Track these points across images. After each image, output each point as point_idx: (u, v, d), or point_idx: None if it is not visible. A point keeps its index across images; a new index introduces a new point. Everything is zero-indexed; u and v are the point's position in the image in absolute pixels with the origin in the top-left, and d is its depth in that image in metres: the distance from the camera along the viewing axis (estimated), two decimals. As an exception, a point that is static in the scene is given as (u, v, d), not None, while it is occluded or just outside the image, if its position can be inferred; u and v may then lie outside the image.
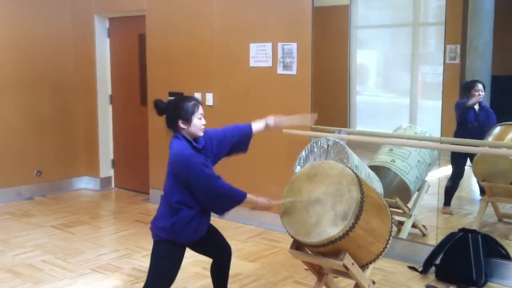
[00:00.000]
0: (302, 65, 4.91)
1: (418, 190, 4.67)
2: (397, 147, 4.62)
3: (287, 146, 5.01)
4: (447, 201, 4.95)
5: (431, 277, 4.05)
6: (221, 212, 3.03)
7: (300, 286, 3.92)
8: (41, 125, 6.54)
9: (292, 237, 2.94)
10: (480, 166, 4.66)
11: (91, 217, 5.73)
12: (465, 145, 4.27)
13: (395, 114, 5.68)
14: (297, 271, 4.15)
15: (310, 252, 3.01)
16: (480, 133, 4.70)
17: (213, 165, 3.13)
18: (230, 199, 2.96)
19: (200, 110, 3.02)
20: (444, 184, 4.95)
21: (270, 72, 5.10)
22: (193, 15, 5.67)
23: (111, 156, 6.96)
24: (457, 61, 4.86)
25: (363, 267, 3.00)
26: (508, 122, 4.63)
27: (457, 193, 5.05)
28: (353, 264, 2.87)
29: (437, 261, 4.07)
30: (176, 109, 2.99)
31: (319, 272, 3.18)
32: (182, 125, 2.98)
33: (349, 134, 4.86)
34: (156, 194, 5.68)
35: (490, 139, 4.62)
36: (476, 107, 4.77)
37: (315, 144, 4.08)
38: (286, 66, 5.00)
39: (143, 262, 4.29)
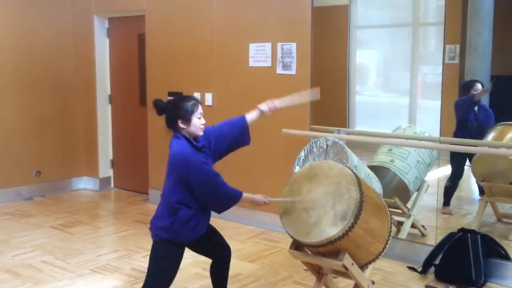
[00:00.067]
0: (302, 65, 4.91)
1: (417, 190, 4.67)
2: (396, 147, 4.63)
3: (286, 146, 5.01)
4: (447, 201, 4.95)
5: (430, 277, 4.05)
6: (219, 210, 3.03)
7: (300, 287, 3.92)
8: (41, 125, 6.54)
9: (291, 237, 2.94)
10: (479, 166, 4.66)
11: (91, 217, 5.73)
12: (464, 145, 4.28)
13: (395, 114, 5.68)
14: (296, 271, 4.15)
15: (309, 252, 3.01)
16: (480, 133, 4.70)
17: (214, 162, 3.14)
18: (229, 197, 2.97)
19: (200, 109, 3.02)
20: (443, 184, 4.95)
21: (270, 72, 5.11)
22: (192, 15, 5.67)
23: (111, 156, 6.96)
24: (457, 61, 4.86)
25: (363, 267, 3.00)
26: (508, 122, 4.63)
27: (456, 193, 5.05)
28: (352, 264, 2.87)
29: (437, 261, 4.07)
30: (175, 109, 2.99)
31: (318, 272, 3.18)
32: (181, 125, 2.98)
33: (348, 134, 4.86)
34: (156, 194, 5.68)
35: (489, 139, 4.62)
36: (476, 107, 4.77)
37: (314, 144, 4.08)
38: (285, 66, 5.00)
39: (143, 262, 4.29)
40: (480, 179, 4.72)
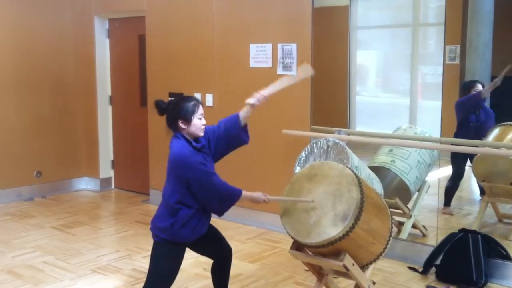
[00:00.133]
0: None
1: (418, 191, 4.67)
2: (397, 147, 4.62)
3: (286, 147, 5.01)
4: (447, 202, 4.95)
5: (431, 277, 4.05)
6: (220, 211, 3.02)
7: (300, 287, 3.92)
8: (41, 126, 6.54)
9: (292, 237, 2.94)
10: (480, 167, 4.66)
11: (91, 218, 5.73)
12: (465, 146, 4.28)
13: (395, 115, 5.68)
14: (297, 271, 4.15)
15: (310, 253, 3.01)
16: (480, 133, 4.70)
17: (215, 162, 3.14)
18: (228, 196, 2.96)
19: (200, 110, 3.02)
20: (444, 184, 4.95)
21: (270, 72, 5.10)
22: (193, 16, 5.67)
23: (111, 157, 6.96)
24: (457, 61, 4.86)
25: (363, 267, 3.00)
26: (508, 123, 4.63)
27: (457, 194, 5.05)
28: (353, 264, 2.87)
29: (437, 262, 4.07)
30: (176, 109, 3.00)
31: (319, 272, 3.18)
32: (182, 125, 2.99)
33: (349, 135, 4.86)
34: (156, 194, 5.68)
35: (490, 139, 4.62)
36: (479, 106, 4.77)
37: (315, 145, 4.08)
38: (286, 67, 5.00)
39: (143, 263, 4.29)
40: (480, 179, 4.72)
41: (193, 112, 2.98)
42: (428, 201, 4.75)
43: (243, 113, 3.13)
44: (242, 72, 5.33)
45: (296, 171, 4.06)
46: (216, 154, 3.14)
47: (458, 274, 3.91)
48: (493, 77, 4.72)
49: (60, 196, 6.58)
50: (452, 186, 4.99)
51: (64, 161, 6.79)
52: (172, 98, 3.11)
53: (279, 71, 5.05)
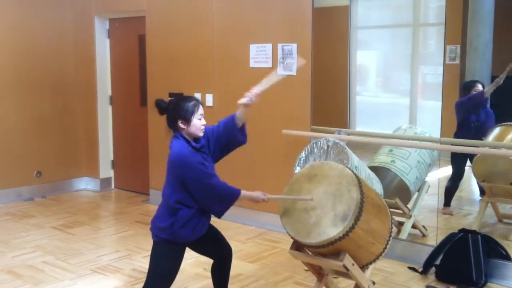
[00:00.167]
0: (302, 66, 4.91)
1: (418, 191, 4.67)
2: (397, 147, 4.62)
3: (286, 147, 5.01)
4: (447, 202, 4.95)
5: (431, 277, 4.05)
6: (219, 211, 3.01)
7: (300, 287, 3.92)
8: (41, 126, 6.54)
9: (292, 237, 2.94)
10: (480, 167, 4.66)
11: (91, 218, 5.73)
12: (465, 146, 4.27)
13: (395, 115, 5.68)
14: (297, 271, 4.15)
15: (310, 253, 3.01)
16: (481, 133, 4.70)
17: (216, 162, 3.14)
18: (226, 196, 2.95)
19: (200, 110, 3.02)
20: (444, 184, 4.94)
21: (270, 72, 5.09)
22: (193, 16, 5.67)
23: (111, 157, 6.96)
24: (457, 61, 4.85)
25: (363, 267, 3.00)
26: (508, 123, 4.63)
27: (457, 194, 5.05)
28: (353, 264, 2.87)
29: (437, 262, 4.07)
30: (176, 109, 3.00)
31: (319, 272, 3.18)
32: (181, 125, 2.99)
33: (349, 135, 4.86)
34: (156, 194, 5.68)
35: (490, 139, 4.62)
36: (481, 106, 4.76)
37: (315, 145, 4.08)
38: (286, 67, 5.00)
39: (143, 263, 4.29)
40: (480, 179, 4.72)
41: (192, 112, 2.98)
42: (428, 201, 4.75)
43: (238, 113, 3.12)
44: (242, 72, 5.33)
45: (296, 171, 4.06)
46: (215, 154, 3.14)
47: (458, 274, 3.91)
48: (493, 77, 4.72)
49: (60, 196, 6.58)
50: (452, 186, 4.99)
51: (64, 161, 6.79)
52: (172, 98, 3.11)
53: (279, 71, 5.04)
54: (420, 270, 4.13)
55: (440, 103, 4.37)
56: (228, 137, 3.12)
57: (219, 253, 3.21)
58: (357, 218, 2.73)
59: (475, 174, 4.80)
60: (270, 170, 5.20)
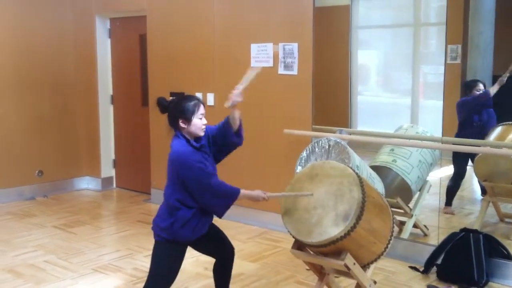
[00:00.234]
0: (303, 65, 4.91)
1: (420, 190, 4.67)
2: (399, 147, 4.62)
3: (288, 146, 5.01)
4: (449, 201, 4.95)
5: (432, 277, 4.05)
6: (219, 211, 3.00)
7: (302, 286, 3.92)
8: (42, 126, 6.55)
9: (293, 237, 2.94)
10: (481, 166, 4.66)
11: (93, 217, 5.74)
12: (466, 145, 4.27)
13: (396, 114, 5.68)
14: (298, 271, 4.15)
15: (311, 252, 3.01)
16: (482, 133, 4.70)
17: (218, 162, 3.14)
18: (225, 196, 2.94)
19: (201, 110, 3.02)
20: (445, 184, 4.94)
21: (271, 72, 5.10)
22: (194, 15, 5.67)
23: (113, 156, 6.96)
24: (458, 61, 4.85)
25: (365, 267, 3.00)
26: (510, 122, 4.63)
27: (458, 193, 5.05)
28: (354, 264, 2.87)
29: (439, 261, 4.07)
30: (177, 108, 3.00)
31: (320, 272, 3.18)
32: (182, 124, 2.99)
33: (350, 134, 4.86)
34: (158, 194, 5.69)
35: (491, 139, 4.61)
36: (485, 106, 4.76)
37: (316, 144, 4.08)
38: (287, 66, 5.00)
39: (145, 262, 4.29)
40: (482, 179, 4.71)
41: (193, 112, 2.98)
42: (430, 200, 4.75)
43: (230, 116, 3.11)
44: (243, 72, 5.29)
45: (298, 170, 4.05)
46: (215, 154, 3.13)
47: (460, 274, 3.91)
48: (494, 76, 4.72)
49: (61, 195, 6.59)
50: (454, 186, 4.99)
51: (66, 160, 6.80)
52: (174, 97, 3.11)
53: (281, 70, 5.05)
54: (421, 269, 4.13)
55: (442, 102, 4.37)
56: (223, 138, 3.11)
57: (221, 253, 3.21)
58: (358, 218, 2.73)
59: (476, 173, 4.80)
60: (271, 169, 5.20)
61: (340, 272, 3.06)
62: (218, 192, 2.93)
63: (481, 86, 4.69)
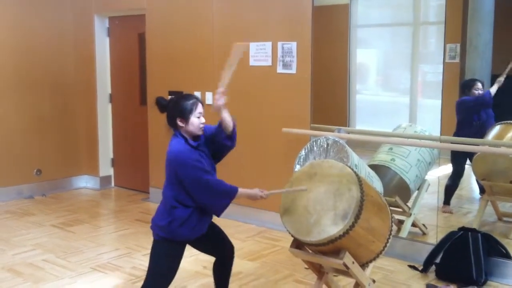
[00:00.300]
0: (302, 64, 4.91)
1: (418, 189, 4.67)
2: (397, 146, 4.63)
3: (286, 145, 5.01)
4: (447, 200, 4.95)
5: (431, 276, 4.06)
6: (217, 209, 2.99)
7: (300, 285, 3.93)
8: (41, 125, 6.55)
9: (292, 236, 2.95)
10: (480, 165, 4.66)
11: (91, 216, 5.74)
12: (464, 144, 4.27)
13: (395, 113, 5.68)
14: (297, 270, 4.15)
15: (310, 251, 3.01)
16: (482, 132, 4.70)
17: (217, 161, 3.14)
18: (223, 194, 2.94)
19: (199, 109, 3.01)
20: (444, 183, 4.95)
21: (270, 71, 5.11)
22: (193, 15, 5.67)
23: (111, 155, 6.96)
24: (457, 60, 4.86)
25: (363, 265, 3.01)
26: (508, 121, 4.63)
27: (457, 192, 5.05)
28: (353, 262, 2.87)
29: (437, 260, 4.07)
30: (175, 107, 2.99)
31: (319, 270, 3.19)
32: (180, 123, 2.98)
33: (348, 133, 4.86)
34: (156, 193, 5.68)
35: (490, 137, 4.62)
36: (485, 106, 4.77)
37: (314, 143, 4.08)
38: (286, 65, 5.00)
39: (143, 261, 4.30)
40: (480, 178, 4.72)
41: (191, 111, 2.97)
42: (428, 199, 4.75)
43: (221, 120, 3.09)
44: (242, 71, 5.29)
45: (296, 169, 4.06)
46: (213, 154, 3.13)
47: (458, 273, 3.91)
48: (493, 76, 4.72)
49: (60, 194, 6.59)
50: (452, 185, 5.00)
51: (64, 159, 6.80)
52: (173, 96, 3.11)
53: (279, 69, 5.05)
54: (420, 268, 4.14)
55: (440, 101, 4.37)
56: (215, 141, 3.09)
57: (221, 252, 3.21)
58: (357, 217, 2.74)
59: (475, 172, 4.81)
60: (270, 168, 5.20)
61: (339, 271, 3.06)
62: (215, 191, 2.93)
63: (479, 86, 4.70)
